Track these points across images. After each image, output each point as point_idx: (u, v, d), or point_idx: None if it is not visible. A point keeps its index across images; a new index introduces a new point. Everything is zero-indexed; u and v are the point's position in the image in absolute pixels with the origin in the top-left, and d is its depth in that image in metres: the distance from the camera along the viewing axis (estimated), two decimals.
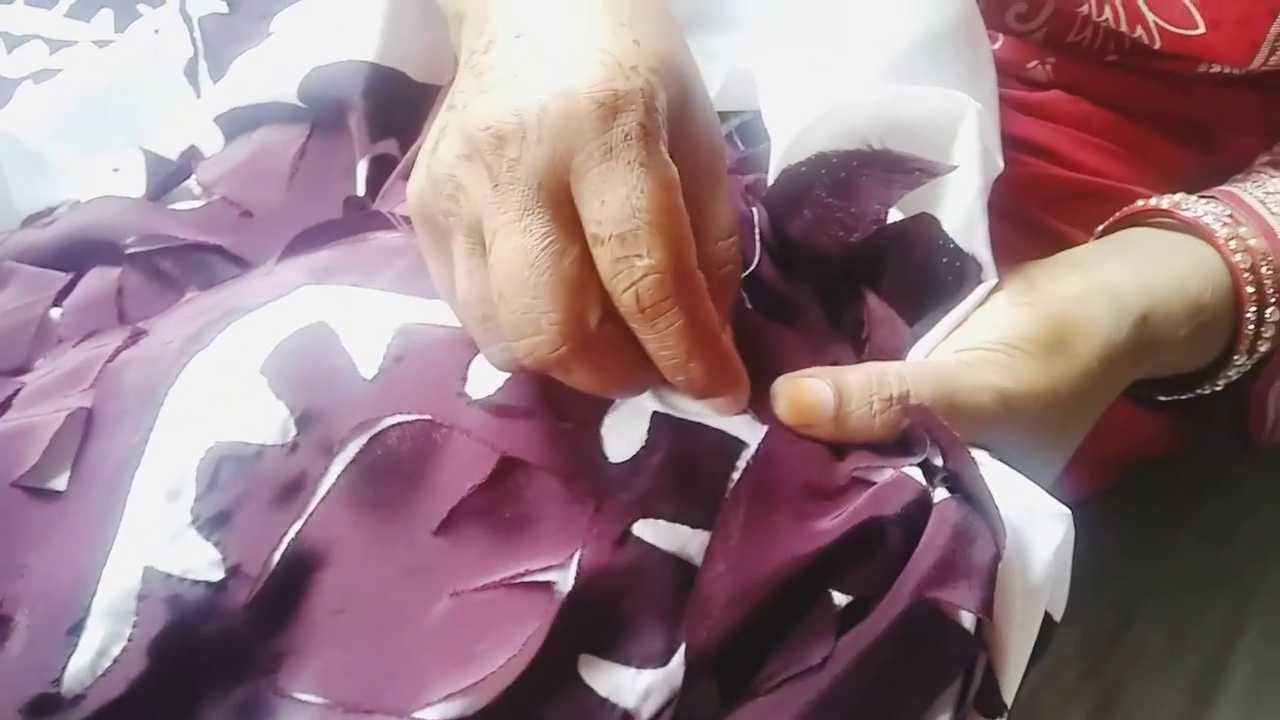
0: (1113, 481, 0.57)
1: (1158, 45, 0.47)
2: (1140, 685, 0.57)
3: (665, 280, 0.33)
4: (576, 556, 0.35)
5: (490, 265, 0.34)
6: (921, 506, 0.35)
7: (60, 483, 0.38)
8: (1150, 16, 0.46)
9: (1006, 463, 0.38)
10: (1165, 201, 0.46)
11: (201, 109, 0.56)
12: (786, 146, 0.42)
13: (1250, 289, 0.44)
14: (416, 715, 0.34)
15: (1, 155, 0.59)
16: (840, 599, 0.35)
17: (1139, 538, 0.61)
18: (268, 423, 0.37)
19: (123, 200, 0.51)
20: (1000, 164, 0.41)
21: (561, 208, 0.34)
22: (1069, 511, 0.36)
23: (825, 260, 0.42)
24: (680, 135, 0.36)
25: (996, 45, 0.50)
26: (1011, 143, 0.42)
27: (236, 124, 0.53)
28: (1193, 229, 0.45)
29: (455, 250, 0.36)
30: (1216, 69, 0.49)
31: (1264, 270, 0.44)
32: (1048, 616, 0.37)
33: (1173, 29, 0.46)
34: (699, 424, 0.37)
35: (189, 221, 0.49)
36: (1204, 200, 0.46)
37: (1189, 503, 0.62)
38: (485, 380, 0.38)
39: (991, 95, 0.43)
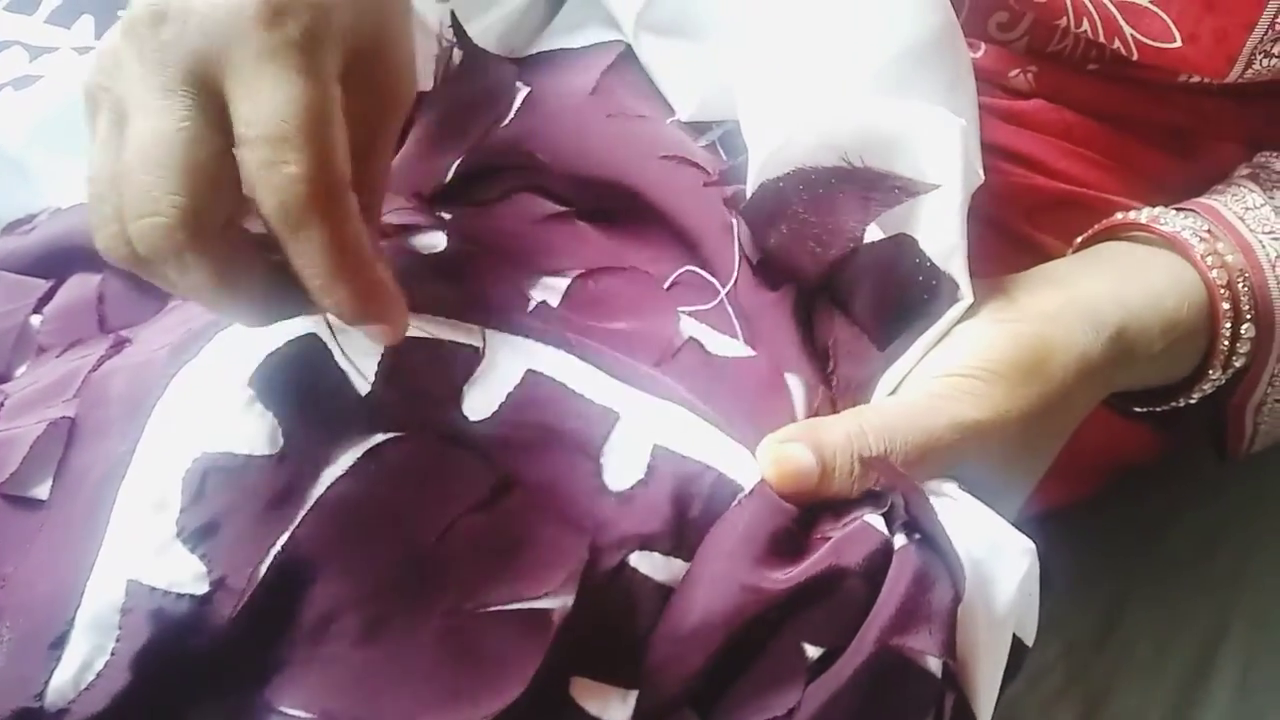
0: (1096, 488, 0.57)
1: (1135, 57, 0.47)
2: (1126, 691, 0.57)
3: (311, 190, 0.32)
4: (573, 584, 0.35)
5: (124, 141, 0.33)
6: (884, 555, 0.36)
7: (42, 491, 0.37)
8: (1128, 30, 0.46)
9: (976, 488, 0.39)
10: (1144, 215, 0.46)
11: None
12: (764, 159, 0.42)
13: (1226, 305, 0.44)
14: None
15: None
16: (813, 651, 0.36)
17: (1124, 544, 0.61)
18: (256, 433, 0.36)
19: None
20: (981, 175, 0.41)
21: (209, 99, 0.33)
22: (1032, 545, 0.37)
23: (801, 276, 0.42)
24: (363, 71, 0.36)
25: (979, 54, 0.50)
26: (993, 151, 0.42)
27: None
28: (1170, 244, 0.45)
29: (98, 125, 0.35)
30: (1196, 79, 0.49)
31: (1240, 286, 0.45)
32: (1018, 641, 0.38)
33: (1150, 42, 0.46)
34: (700, 462, 0.38)
35: None
36: (1182, 214, 0.46)
37: (1174, 509, 0.62)
38: (483, 402, 0.38)
39: (972, 106, 0.43)
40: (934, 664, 0.35)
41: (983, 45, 0.51)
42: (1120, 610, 0.60)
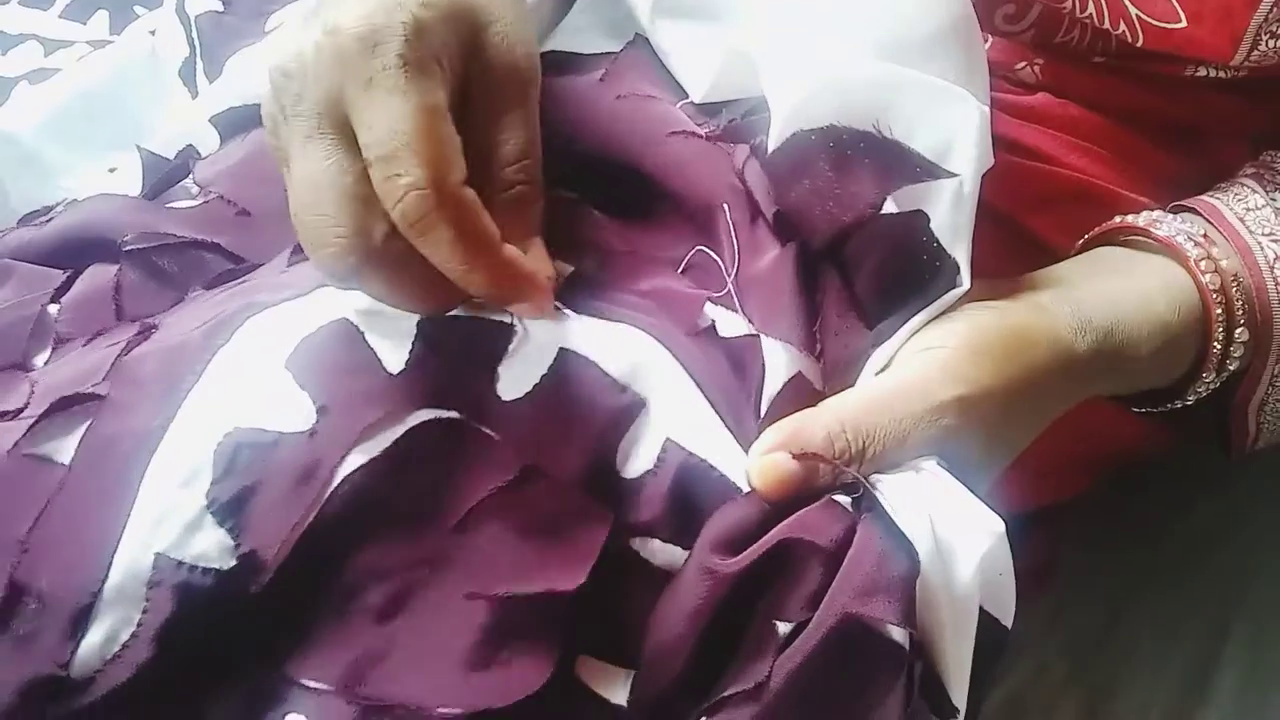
0: (1102, 481, 0.57)
1: (1140, 41, 0.47)
2: (1129, 686, 0.58)
3: (426, 196, 0.36)
4: (589, 569, 0.37)
5: (288, 190, 0.38)
6: (849, 532, 0.37)
7: (60, 453, 0.38)
8: (1133, 11, 0.46)
9: (949, 464, 0.39)
10: (1141, 219, 0.47)
11: (197, 109, 0.56)
12: (789, 111, 0.42)
13: (1219, 309, 0.45)
14: (432, 715, 0.35)
15: None
16: (784, 627, 0.37)
17: (1128, 538, 0.61)
18: (289, 412, 0.37)
19: (120, 198, 0.51)
20: (992, 158, 0.41)
21: (345, 133, 0.37)
22: (1001, 526, 0.38)
23: (812, 235, 0.42)
24: (474, 62, 0.40)
25: (986, 46, 0.51)
26: (998, 144, 0.42)
27: (232, 124, 0.54)
28: (1165, 249, 0.46)
29: (283, 173, 0.40)
30: (1203, 72, 0.49)
31: (1234, 291, 0.45)
32: (996, 623, 0.38)
33: (1154, 22, 0.46)
34: (703, 460, 0.39)
35: (186, 220, 0.49)
36: (1180, 218, 0.47)
37: (1178, 503, 0.62)
38: (516, 382, 0.38)
39: (984, 94, 0.43)
40: (898, 634, 0.36)
41: (989, 38, 0.51)
42: (1124, 605, 0.60)
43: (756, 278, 0.43)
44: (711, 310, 0.43)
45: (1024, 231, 0.50)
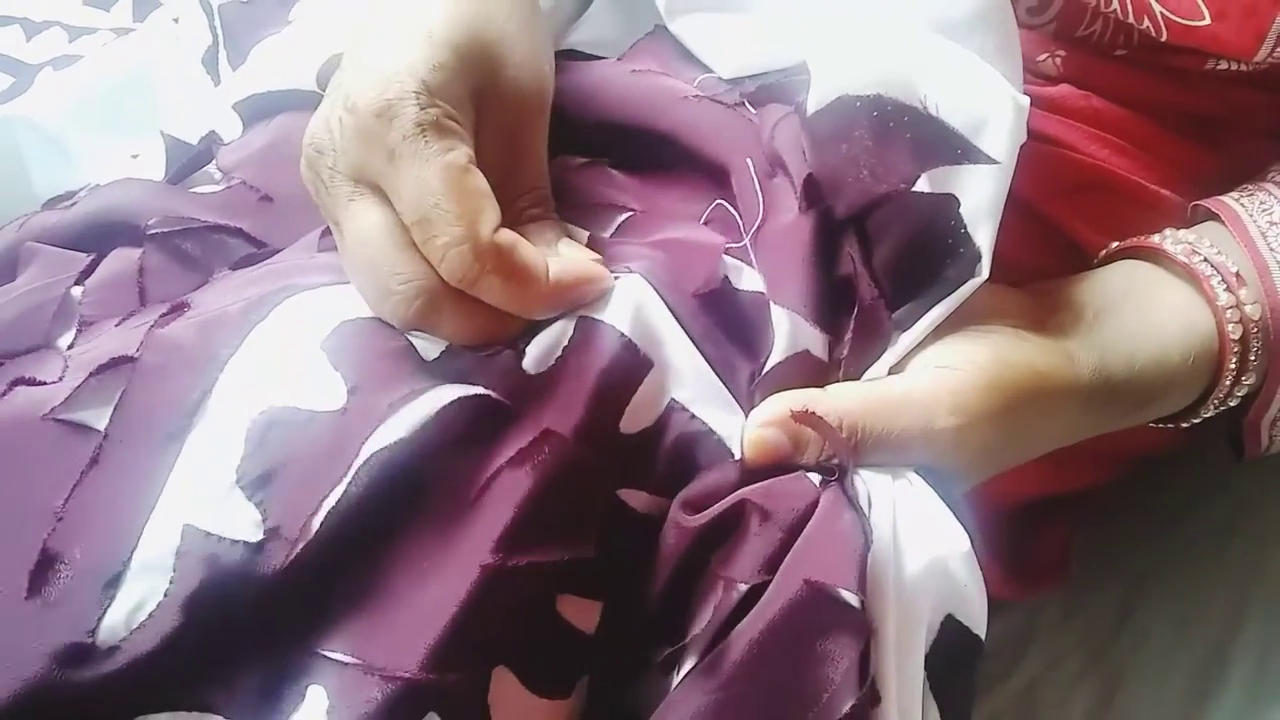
0: (1115, 476, 0.58)
1: (1164, 37, 0.47)
2: (1142, 676, 0.58)
3: (465, 252, 0.37)
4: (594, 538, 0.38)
5: (343, 254, 0.40)
6: (812, 503, 0.38)
7: (97, 420, 0.38)
8: (1157, 8, 0.47)
9: (930, 474, 0.40)
10: (1179, 250, 0.46)
11: (220, 96, 0.57)
12: (837, 72, 0.42)
13: (1234, 359, 0.45)
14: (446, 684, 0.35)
15: (21, 140, 0.59)
16: (740, 589, 0.37)
17: (1142, 531, 0.61)
18: (323, 391, 0.38)
19: (144, 183, 0.51)
20: (1025, 134, 0.41)
21: (382, 193, 0.39)
22: (966, 537, 0.38)
23: (843, 200, 0.42)
24: (486, 99, 0.41)
25: None
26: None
27: (255, 111, 0.54)
28: (1194, 284, 0.46)
29: (335, 238, 0.41)
30: (1224, 65, 0.49)
31: (1253, 341, 0.45)
32: (967, 631, 0.38)
33: (1179, 20, 0.46)
34: (704, 424, 0.40)
35: (210, 204, 0.49)
36: (1213, 244, 0.46)
37: (1192, 496, 0.62)
38: (542, 356, 0.39)
39: (1018, 78, 0.44)
40: (853, 599, 0.36)
41: None
42: (1138, 596, 0.60)
43: (771, 238, 0.43)
44: (731, 264, 0.43)
45: (1043, 219, 0.50)
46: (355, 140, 0.39)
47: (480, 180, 0.39)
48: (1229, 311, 0.45)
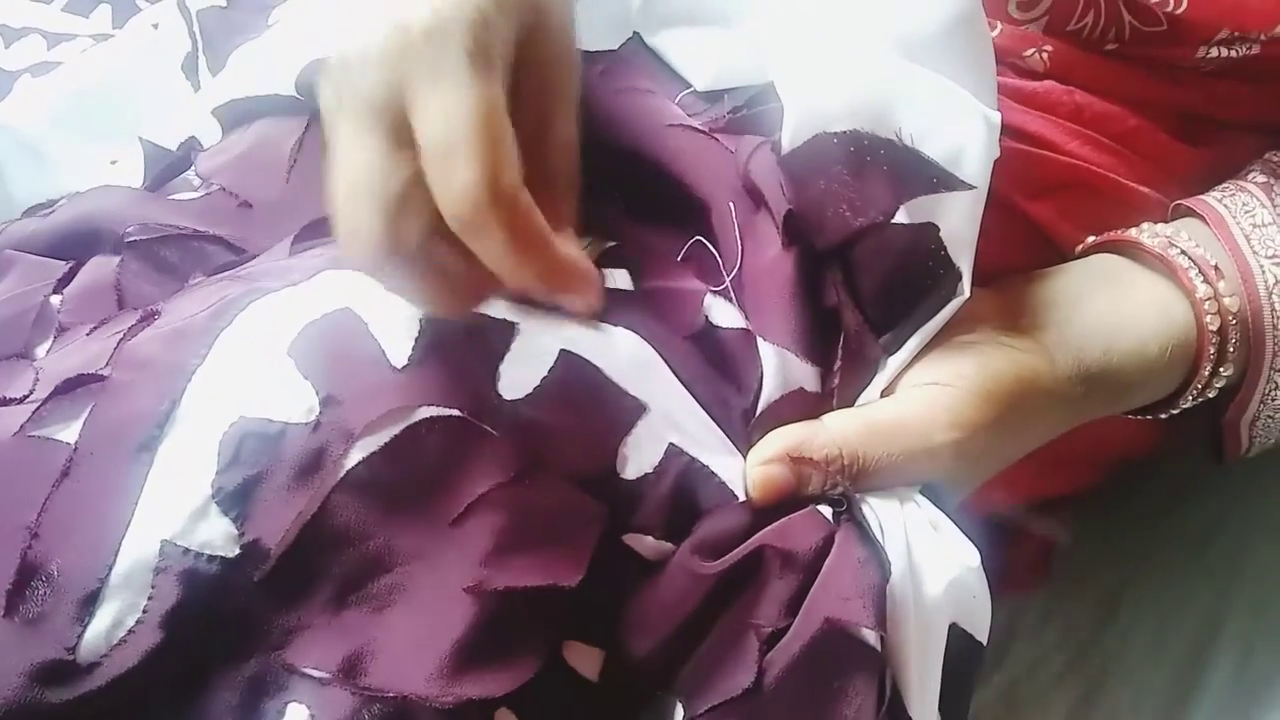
0: (1098, 480, 0.58)
1: (1183, 9, 0.47)
2: (1124, 676, 0.58)
3: (479, 195, 0.35)
4: (584, 566, 0.38)
5: (331, 176, 0.37)
6: (827, 539, 0.38)
7: (65, 434, 0.38)
8: None
9: (932, 489, 0.41)
10: (1157, 245, 0.47)
11: (199, 102, 0.57)
12: (810, 108, 0.42)
13: (1212, 349, 0.46)
14: (435, 702, 0.35)
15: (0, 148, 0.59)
16: (764, 630, 0.38)
17: (1122, 532, 0.62)
18: (293, 402, 0.37)
19: (123, 190, 0.51)
20: (997, 150, 0.42)
21: (398, 131, 0.36)
22: (975, 552, 0.39)
23: (822, 236, 0.42)
24: (530, 54, 0.39)
25: (995, 34, 0.51)
26: (1004, 132, 0.42)
27: (235, 116, 0.54)
28: (1172, 275, 0.46)
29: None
30: (1217, 52, 0.49)
31: (1231, 333, 0.46)
32: (970, 638, 0.39)
33: None
34: (706, 468, 0.40)
35: (189, 211, 0.49)
36: (1191, 237, 0.47)
37: (1172, 498, 0.62)
38: (518, 382, 0.39)
39: (992, 92, 0.44)
40: (871, 637, 0.37)
41: (998, 25, 0.51)
42: (1118, 598, 0.60)
43: (755, 275, 0.43)
44: (710, 301, 0.43)
45: (1023, 217, 0.50)
46: (398, 57, 0.36)
47: (511, 131, 0.36)
48: (1207, 303, 0.45)
